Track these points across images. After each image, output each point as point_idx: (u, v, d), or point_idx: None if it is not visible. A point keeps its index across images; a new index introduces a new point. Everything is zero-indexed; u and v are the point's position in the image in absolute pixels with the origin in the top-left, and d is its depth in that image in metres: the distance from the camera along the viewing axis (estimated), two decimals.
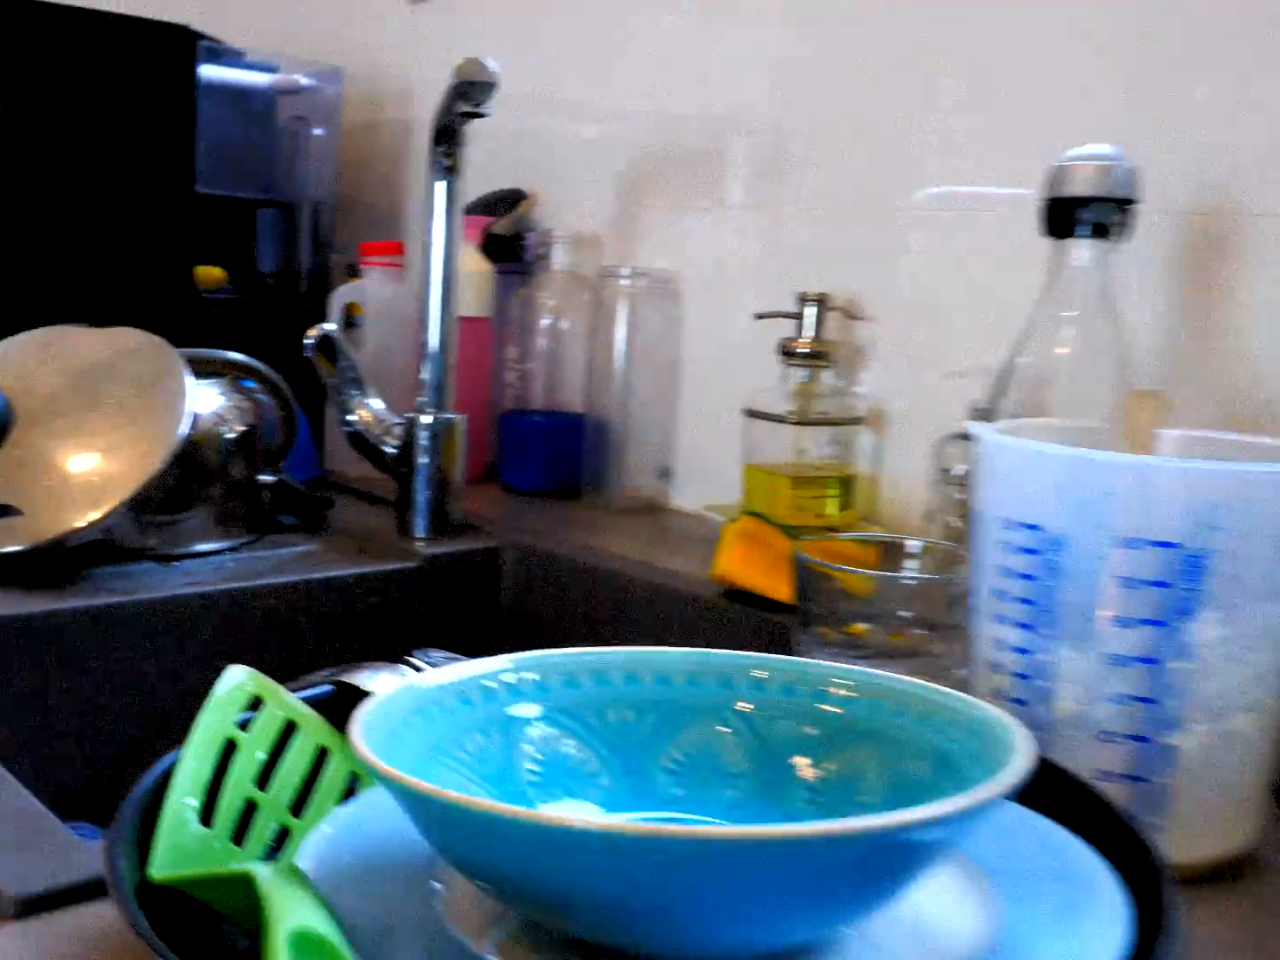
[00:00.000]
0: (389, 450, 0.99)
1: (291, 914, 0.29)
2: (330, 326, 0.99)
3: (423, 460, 0.97)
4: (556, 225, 1.23)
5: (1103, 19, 0.84)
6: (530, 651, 0.45)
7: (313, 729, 0.46)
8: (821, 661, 0.46)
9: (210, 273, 1.26)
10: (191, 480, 0.91)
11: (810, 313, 0.97)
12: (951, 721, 0.41)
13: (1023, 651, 0.51)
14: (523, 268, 1.24)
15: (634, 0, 1.18)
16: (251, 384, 0.99)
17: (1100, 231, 0.67)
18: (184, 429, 0.85)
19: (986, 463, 0.53)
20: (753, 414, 0.98)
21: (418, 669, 0.52)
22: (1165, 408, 0.56)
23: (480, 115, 0.85)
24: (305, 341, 0.97)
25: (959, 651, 0.61)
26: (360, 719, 0.37)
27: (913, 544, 0.69)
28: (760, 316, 0.99)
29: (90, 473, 0.83)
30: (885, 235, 0.98)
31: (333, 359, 0.99)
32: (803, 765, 0.44)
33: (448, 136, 0.92)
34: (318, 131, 1.34)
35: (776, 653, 0.47)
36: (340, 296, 1.23)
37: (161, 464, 0.83)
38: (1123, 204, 0.67)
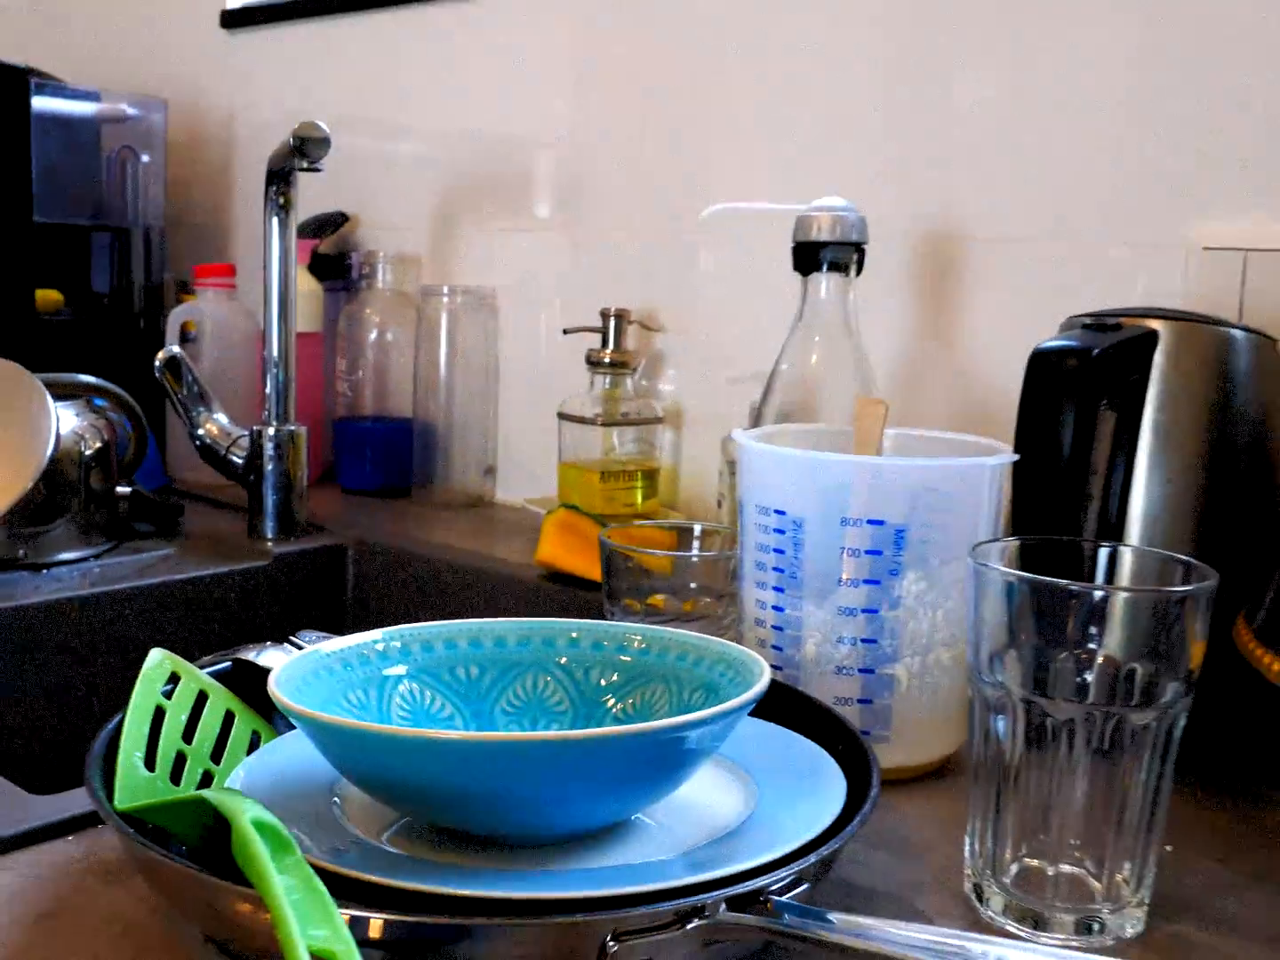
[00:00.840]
0: (236, 460, 1.09)
1: (247, 810, 0.41)
2: (176, 349, 1.08)
3: (269, 468, 1.08)
4: (379, 245, 1.34)
5: (853, 78, 1.00)
6: (397, 625, 0.57)
7: (220, 697, 0.58)
8: (621, 622, 0.59)
9: (48, 296, 1.33)
10: (56, 494, 0.99)
11: (612, 326, 1.10)
12: (717, 661, 0.55)
13: (778, 609, 0.66)
14: (348, 285, 1.35)
15: (445, 29, 1.29)
16: (103, 403, 1.08)
17: (838, 268, 0.83)
18: (50, 448, 0.94)
19: (745, 461, 0.67)
20: (564, 417, 1.11)
21: (299, 646, 0.64)
22: (885, 414, 0.71)
23: (316, 169, 0.96)
24: (155, 364, 1.06)
25: (735, 613, 0.75)
26: (275, 679, 0.49)
27: (699, 527, 0.83)
28: (568, 332, 1.13)
29: None
30: (678, 253, 1.12)
31: (179, 378, 1.09)
32: (611, 701, 0.58)
33: (281, 178, 1.03)
34: (145, 158, 1.42)
35: None
36: (176, 316, 1.31)
37: (32, 482, 0.92)
38: (856, 246, 0.83)
